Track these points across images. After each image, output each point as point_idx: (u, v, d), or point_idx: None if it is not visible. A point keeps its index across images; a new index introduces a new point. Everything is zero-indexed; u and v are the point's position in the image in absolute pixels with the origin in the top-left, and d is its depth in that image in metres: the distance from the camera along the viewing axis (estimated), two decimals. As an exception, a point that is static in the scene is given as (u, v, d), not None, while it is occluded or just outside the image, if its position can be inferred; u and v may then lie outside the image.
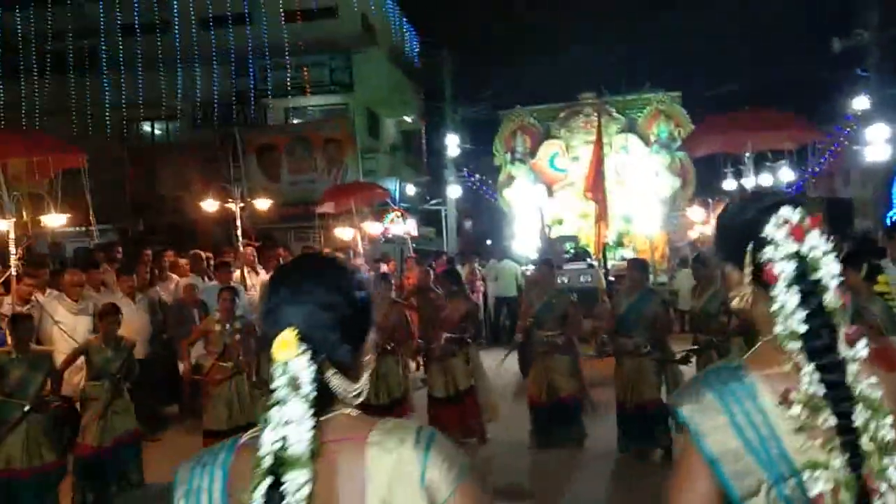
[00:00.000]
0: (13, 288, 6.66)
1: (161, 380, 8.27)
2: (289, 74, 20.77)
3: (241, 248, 10.57)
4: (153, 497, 5.93)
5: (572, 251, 13.61)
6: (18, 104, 19.86)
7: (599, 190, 13.37)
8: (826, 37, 15.96)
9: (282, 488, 1.15)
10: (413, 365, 12.29)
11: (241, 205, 11.55)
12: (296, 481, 1.15)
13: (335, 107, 21.89)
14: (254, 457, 1.19)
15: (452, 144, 21.10)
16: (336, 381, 1.25)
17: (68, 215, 7.67)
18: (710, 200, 13.01)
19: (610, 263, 12.88)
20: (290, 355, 1.20)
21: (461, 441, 7.13)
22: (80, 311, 7.21)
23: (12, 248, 6.56)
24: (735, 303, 1.46)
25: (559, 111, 16.77)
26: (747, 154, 9.80)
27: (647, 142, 15.90)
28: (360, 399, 1.29)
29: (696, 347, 6.62)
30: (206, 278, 9.33)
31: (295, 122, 21.57)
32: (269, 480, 1.16)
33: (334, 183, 18.14)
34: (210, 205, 11.56)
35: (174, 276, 9.35)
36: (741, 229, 1.43)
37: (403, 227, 17.58)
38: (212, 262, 9.77)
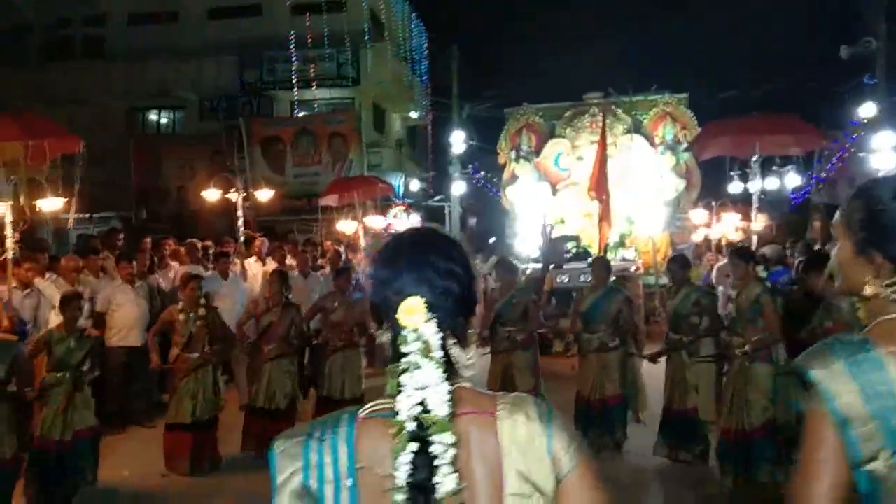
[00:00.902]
0: (9, 272, 6.66)
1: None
2: (295, 67, 20.75)
3: (244, 239, 10.59)
4: (109, 493, 5.95)
5: (574, 251, 13.58)
6: (25, 91, 19.86)
7: (603, 190, 13.35)
8: (834, 44, 15.93)
9: (430, 450, 1.16)
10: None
11: (244, 195, 11.56)
12: (443, 442, 1.16)
13: (341, 100, 21.87)
14: (383, 427, 1.20)
15: (458, 141, 21.08)
16: (455, 350, 1.28)
17: (65, 199, 7.67)
18: (713, 203, 12.96)
19: (611, 264, 12.85)
20: (419, 321, 1.22)
21: None
22: (77, 296, 7.20)
23: (8, 232, 6.55)
24: (869, 290, 1.51)
25: (565, 110, 16.72)
26: (754, 158, 9.78)
27: (652, 143, 15.86)
28: (472, 371, 1.32)
29: (665, 347, 6.75)
30: (203, 267, 9.34)
31: (301, 115, 21.56)
32: (414, 446, 1.16)
33: (338, 176, 18.15)
34: (213, 195, 11.57)
35: (174, 265, 9.36)
36: None
37: (407, 222, 17.59)
38: (210, 252, 9.77)
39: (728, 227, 12.89)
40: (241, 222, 10.73)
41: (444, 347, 1.24)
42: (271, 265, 10.32)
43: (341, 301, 7.30)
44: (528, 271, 13.85)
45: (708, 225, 13.48)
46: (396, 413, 1.19)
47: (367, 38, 21.04)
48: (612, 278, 11.80)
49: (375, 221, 14.51)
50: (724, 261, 9.87)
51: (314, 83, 20.87)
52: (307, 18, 20.40)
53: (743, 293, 5.83)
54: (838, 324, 4.73)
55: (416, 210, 20.31)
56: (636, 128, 15.97)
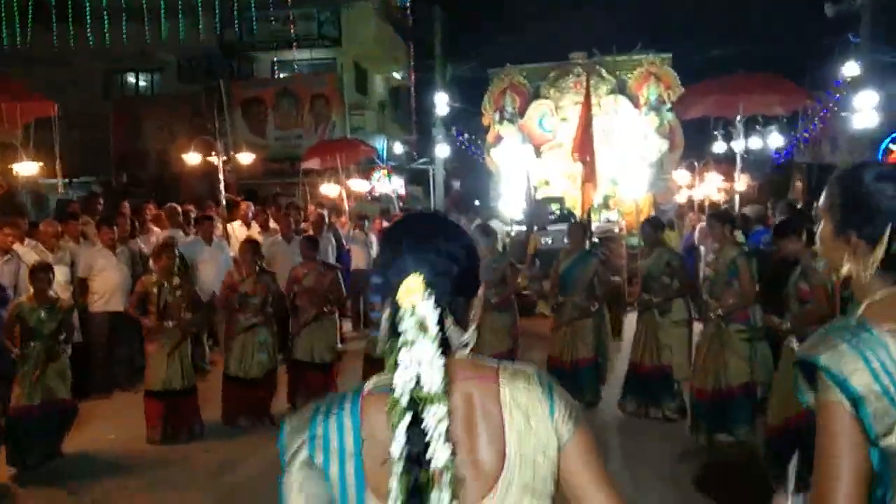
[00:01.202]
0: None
1: (140, 331, 8.24)
2: (275, 27, 20.40)
3: (226, 203, 10.51)
4: (88, 458, 5.97)
5: (558, 213, 13.59)
6: (2, 54, 19.46)
7: (587, 151, 13.30)
8: (819, 1, 15.82)
9: (423, 423, 1.20)
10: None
11: (225, 158, 11.44)
12: (435, 415, 1.20)
13: (323, 61, 21.57)
14: (386, 400, 1.24)
15: (441, 103, 20.89)
16: (452, 329, 1.32)
17: (41, 164, 7.56)
18: (696, 164, 12.99)
19: (595, 225, 12.87)
20: (416, 300, 1.26)
21: None
22: (56, 262, 7.14)
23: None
24: (844, 270, 1.61)
25: (549, 70, 16.60)
26: (738, 118, 9.78)
27: (636, 104, 15.81)
28: (468, 349, 1.37)
29: (637, 306, 6.96)
30: (183, 231, 9.27)
31: (282, 76, 21.25)
32: (408, 417, 1.21)
33: (321, 139, 17.98)
34: (193, 158, 11.43)
35: (155, 229, 9.28)
36: (884, 209, 1.54)
37: (390, 185, 17.52)
38: (192, 216, 9.69)
39: (711, 187, 12.93)
40: (222, 186, 10.64)
41: (441, 325, 1.27)
42: (256, 229, 10.28)
43: (311, 268, 7.26)
44: (512, 233, 13.87)
45: (691, 186, 13.53)
46: (394, 387, 1.23)
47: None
48: (595, 240, 11.91)
49: (359, 184, 14.43)
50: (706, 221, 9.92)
51: (295, 43, 20.53)
52: (287, -23, 20.00)
53: (720, 256, 5.92)
54: (814, 287, 4.82)
55: (400, 173, 20.24)
56: (620, 88, 15.90)
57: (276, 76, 21.14)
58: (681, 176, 13.71)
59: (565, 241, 11.79)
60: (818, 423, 1.49)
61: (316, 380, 7.10)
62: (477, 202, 21.83)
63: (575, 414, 1.34)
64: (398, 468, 1.20)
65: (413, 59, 24.55)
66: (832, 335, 1.48)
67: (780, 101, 9.88)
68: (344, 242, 11.17)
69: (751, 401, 5.71)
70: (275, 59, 21.27)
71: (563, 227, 12.37)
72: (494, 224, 14.56)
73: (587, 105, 13.36)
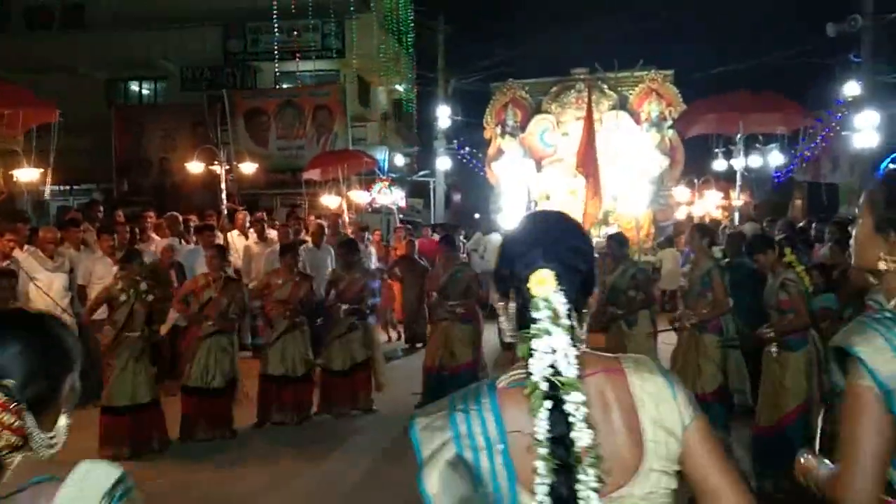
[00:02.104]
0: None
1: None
2: (279, 38, 20.48)
3: (227, 213, 10.53)
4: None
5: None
6: (4, 60, 19.52)
7: (591, 166, 13.31)
8: (821, 21, 15.90)
9: (563, 408, 1.25)
10: (395, 334, 12.36)
11: (227, 167, 11.46)
12: (575, 400, 1.26)
13: (326, 73, 21.64)
14: (523, 394, 1.30)
15: (443, 116, 20.96)
16: (576, 323, 1.36)
17: (41, 170, 7.56)
18: (696, 181, 13.01)
19: (595, 240, 12.88)
20: (548, 291, 1.31)
21: (351, 412, 7.44)
22: (55, 269, 7.15)
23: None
24: (882, 265, 1.72)
25: (551, 86, 16.65)
26: (738, 135, 9.81)
27: (637, 120, 15.84)
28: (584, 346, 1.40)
29: (606, 319, 7.14)
30: (183, 241, 9.27)
31: (285, 86, 21.32)
32: (549, 403, 1.26)
33: (323, 150, 18.01)
34: (196, 167, 11.46)
35: (156, 237, 9.29)
36: None
37: (391, 197, 17.53)
38: (191, 225, 9.70)
39: (710, 204, 12.95)
40: (224, 195, 10.66)
41: (569, 317, 1.32)
42: (253, 238, 10.29)
43: (287, 278, 7.18)
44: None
45: (690, 202, 13.54)
46: (530, 375, 1.28)
47: (352, 9, 20.78)
48: (597, 255, 11.92)
49: (359, 196, 14.44)
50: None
51: (298, 55, 20.60)
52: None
53: (695, 268, 6.15)
54: (793, 297, 5.21)
55: (401, 185, 20.26)
56: (622, 104, 15.93)
57: (278, 87, 21.20)
58: (680, 193, 13.73)
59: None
60: (846, 405, 1.59)
61: (288, 394, 7.07)
62: (477, 215, 21.86)
63: (692, 399, 1.41)
64: (543, 450, 1.24)
65: (416, 71, 24.63)
66: (869, 327, 1.60)
67: (782, 120, 9.93)
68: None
69: (724, 406, 5.91)
70: (278, 69, 21.32)
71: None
72: (495, 237, 14.59)
73: (589, 120, 13.41)
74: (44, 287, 7.11)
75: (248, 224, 10.77)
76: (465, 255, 13.67)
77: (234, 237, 10.31)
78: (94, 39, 20.66)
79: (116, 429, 6.06)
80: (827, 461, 1.77)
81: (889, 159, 15.90)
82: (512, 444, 1.31)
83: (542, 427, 1.25)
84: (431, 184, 22.36)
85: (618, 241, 7.42)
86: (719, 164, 17.42)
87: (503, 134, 16.72)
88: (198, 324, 6.70)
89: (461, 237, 14.51)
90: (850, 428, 1.57)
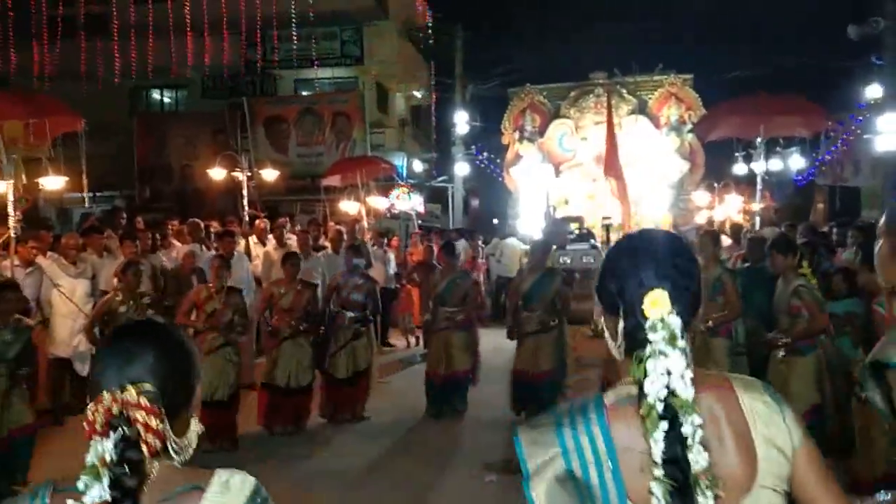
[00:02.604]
0: (12, 250, 6.68)
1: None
2: (298, 46, 20.61)
3: (248, 219, 10.60)
4: None
5: (576, 232, 13.57)
6: (29, 68, 19.80)
7: (614, 169, 13.23)
8: (843, 23, 15.76)
9: (682, 430, 1.26)
10: (413, 340, 12.37)
11: (248, 174, 11.55)
12: (692, 423, 1.26)
13: (345, 79, 21.74)
14: (632, 410, 1.31)
15: (461, 121, 20.99)
16: (689, 343, 1.35)
17: (66, 178, 7.66)
18: (715, 185, 12.93)
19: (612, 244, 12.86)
20: (664, 312, 1.31)
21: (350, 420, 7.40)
22: (78, 275, 7.24)
23: (11, 210, 6.54)
24: None
25: (569, 90, 16.65)
26: (759, 139, 9.73)
27: (657, 124, 15.79)
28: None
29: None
30: (204, 247, 9.35)
31: (304, 94, 21.44)
32: (665, 424, 1.26)
33: (342, 156, 18.10)
34: (217, 173, 11.56)
35: (177, 244, 9.38)
36: None
37: (409, 202, 17.57)
38: (212, 231, 9.78)
39: (731, 208, 12.86)
40: (245, 201, 10.74)
41: (682, 338, 1.31)
42: (272, 245, 10.35)
43: (289, 287, 7.12)
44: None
45: (710, 206, 13.45)
46: (644, 396, 1.28)
47: (370, 16, 20.87)
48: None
49: (378, 202, 14.50)
50: (728, 242, 9.85)
51: (317, 62, 20.73)
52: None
53: (705, 274, 6.11)
54: (808, 303, 5.26)
55: (419, 191, 20.28)
56: (641, 108, 15.89)
57: (298, 94, 21.33)
58: (700, 197, 13.64)
59: (583, 259, 11.86)
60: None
61: (288, 404, 7.01)
62: (495, 220, 21.85)
63: (800, 421, 1.41)
64: (659, 472, 1.25)
65: (434, 77, 24.68)
66: None
67: (803, 123, 9.84)
68: (373, 259, 11.20)
69: None
70: (297, 77, 21.47)
71: (582, 246, 12.36)
72: (512, 242, 14.60)
73: (611, 123, 13.38)
74: (67, 293, 7.21)
75: (268, 231, 10.83)
76: (483, 261, 13.69)
77: (254, 243, 10.38)
78: (117, 48, 20.91)
79: None
80: None
81: (912, 162, 15.70)
82: (622, 461, 1.31)
83: (658, 449, 1.25)
84: (450, 189, 22.38)
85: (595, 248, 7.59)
86: (739, 168, 17.30)
87: (521, 139, 16.74)
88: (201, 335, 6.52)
89: (480, 242, 14.50)
90: None
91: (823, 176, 17.73)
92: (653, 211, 14.34)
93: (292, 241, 10.51)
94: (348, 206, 12.99)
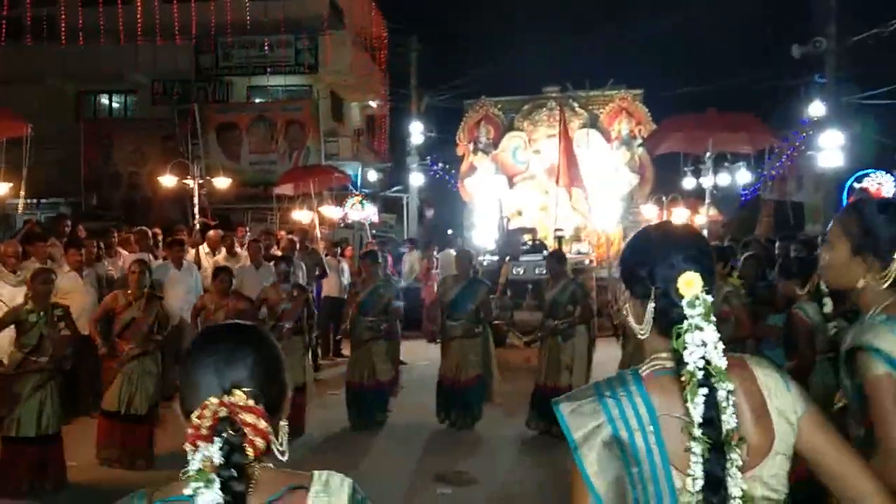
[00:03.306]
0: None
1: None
2: (252, 53, 20.42)
3: (198, 228, 10.43)
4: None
5: (529, 243, 13.67)
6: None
7: (577, 179, 13.27)
8: (788, 42, 16.23)
9: (716, 395, 1.40)
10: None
11: (200, 182, 11.39)
12: (726, 388, 1.41)
13: (299, 87, 21.60)
14: (668, 380, 1.48)
15: (416, 132, 21.03)
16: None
17: (10, 185, 7.46)
18: (664, 198, 13.17)
19: (568, 256, 12.96)
20: (697, 290, 1.46)
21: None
22: (18, 283, 7.03)
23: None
24: (861, 283, 2.02)
25: (523, 104, 16.82)
26: (707, 154, 9.94)
27: (608, 138, 16.03)
28: None
29: (542, 332, 7.56)
30: (153, 256, 9.17)
31: (257, 101, 21.24)
32: (704, 391, 1.40)
33: (295, 165, 17.96)
34: (168, 181, 11.37)
35: (123, 252, 9.18)
36: (890, 235, 1.98)
37: (363, 212, 17.51)
38: (160, 240, 9.60)
39: (681, 221, 13.10)
40: (196, 210, 10.58)
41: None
42: (222, 254, 10.20)
43: (220, 302, 6.97)
44: (484, 263, 13.93)
45: (658, 219, 13.67)
46: (684, 365, 1.43)
47: (325, 25, 20.80)
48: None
49: (332, 211, 14.41)
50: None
51: (271, 69, 20.55)
52: (265, 4, 20.07)
53: None
54: (736, 308, 5.52)
55: (373, 200, 20.23)
56: (592, 122, 16.13)
57: (251, 101, 21.12)
58: (648, 210, 13.89)
59: (536, 271, 11.95)
60: (873, 395, 1.87)
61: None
62: (450, 231, 21.91)
63: (804, 393, 1.56)
64: (698, 433, 1.39)
65: (389, 88, 24.69)
66: (878, 327, 1.91)
67: (749, 140, 10.08)
68: (327, 269, 11.11)
69: None
70: (250, 84, 21.25)
71: (534, 257, 12.46)
72: (447, 253, 14.65)
73: (566, 136, 13.51)
74: (7, 301, 6.98)
75: (219, 241, 10.67)
76: (437, 271, 13.71)
77: (204, 253, 10.22)
78: (65, 51, 20.43)
79: (15, 461, 5.50)
80: None
81: (853, 178, 16.26)
82: (663, 426, 1.44)
83: (698, 411, 1.39)
84: (404, 199, 22.37)
85: (557, 259, 7.76)
86: (688, 182, 17.68)
87: (476, 151, 16.84)
88: (112, 350, 6.24)
89: (435, 253, 14.51)
90: (884, 411, 1.84)
91: (769, 191, 18.19)
92: (603, 223, 14.52)
93: (242, 251, 10.38)
94: (301, 216, 12.89)
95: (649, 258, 1.56)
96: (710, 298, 1.46)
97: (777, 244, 9.41)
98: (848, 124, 15.83)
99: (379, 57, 24.84)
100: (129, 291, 6.35)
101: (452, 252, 14.40)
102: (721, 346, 1.43)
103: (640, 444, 1.43)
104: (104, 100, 22.60)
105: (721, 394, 1.40)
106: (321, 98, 20.76)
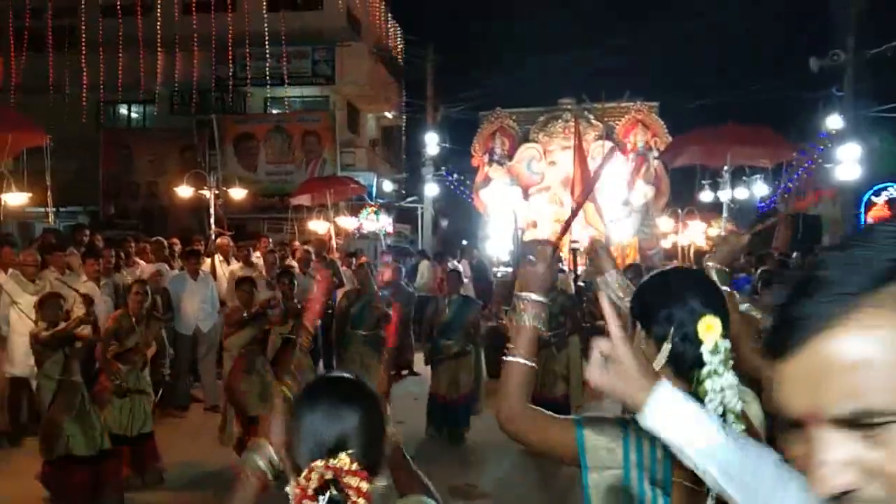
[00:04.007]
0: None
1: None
2: (270, 64, 20.59)
3: (215, 238, 10.50)
4: None
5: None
6: (-7, 80, 19.51)
7: (587, 191, 13.25)
8: (806, 55, 16.16)
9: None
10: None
11: (216, 192, 11.46)
12: (742, 429, 1.43)
13: (316, 98, 21.75)
14: None
15: (432, 143, 21.07)
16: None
17: (30, 195, 7.54)
18: (679, 211, 13.12)
19: (580, 269, 12.93)
20: (717, 336, 1.48)
21: None
22: (36, 292, 7.10)
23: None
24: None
25: (538, 115, 16.80)
26: (725, 168, 9.92)
27: (623, 150, 15.99)
28: None
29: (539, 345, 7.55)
30: (169, 266, 9.24)
31: (274, 112, 21.39)
32: None
33: (311, 176, 18.05)
34: (185, 191, 11.46)
35: (140, 262, 9.25)
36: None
37: (378, 223, 17.56)
38: (176, 250, 9.67)
39: (696, 234, 13.05)
40: (213, 220, 10.65)
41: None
42: (237, 265, 10.26)
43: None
44: (498, 274, 13.92)
45: (675, 232, 13.63)
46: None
47: (342, 36, 20.94)
48: (581, 283, 11.97)
49: (347, 222, 14.47)
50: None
51: (288, 80, 20.71)
52: (283, 15, 20.24)
53: None
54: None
55: (388, 211, 20.28)
56: (608, 134, 16.09)
57: (268, 112, 21.27)
58: (664, 223, 13.83)
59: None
60: None
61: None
62: (464, 242, 21.91)
63: None
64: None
65: (405, 99, 24.79)
66: None
67: (767, 154, 10.06)
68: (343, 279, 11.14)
69: None
70: (268, 95, 21.41)
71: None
72: (423, 265, 14.69)
73: (580, 148, 13.49)
74: (25, 311, 7.06)
75: (232, 249, 10.73)
76: (467, 280, 13.69)
77: (218, 262, 10.28)
78: (85, 62, 20.67)
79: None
80: None
81: (871, 191, 16.12)
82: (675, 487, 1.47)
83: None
84: (419, 210, 22.41)
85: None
86: (705, 196, 17.61)
87: (491, 162, 16.83)
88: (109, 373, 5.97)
89: (450, 264, 14.50)
90: None
91: (786, 204, 18.07)
92: (618, 235, 14.47)
93: (258, 260, 10.44)
94: (317, 226, 12.94)
95: (668, 300, 1.58)
96: (728, 344, 1.48)
97: (793, 257, 9.36)
98: (866, 137, 15.72)
99: (395, 68, 24.97)
100: (132, 314, 6.14)
101: (426, 264, 14.52)
102: (738, 389, 1.46)
103: (648, 496, 1.46)
104: (123, 110, 22.84)
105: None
106: (337, 109, 20.89)
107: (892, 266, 0.70)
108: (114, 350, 5.83)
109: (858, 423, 0.68)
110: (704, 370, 1.46)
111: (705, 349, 1.47)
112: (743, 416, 1.49)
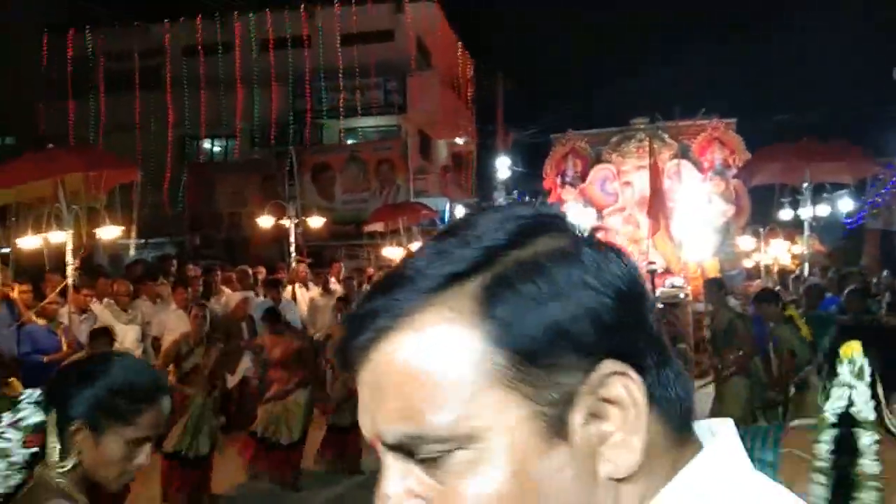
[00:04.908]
0: (70, 297, 6.91)
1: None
2: (344, 96, 21.13)
3: (294, 265, 10.81)
4: None
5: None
6: (87, 121, 20.63)
7: (662, 210, 13.12)
8: (887, 65, 15.61)
9: (851, 437, 1.53)
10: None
11: (296, 221, 11.80)
12: (869, 435, 1.54)
13: (388, 128, 22.17)
14: (808, 430, 1.64)
15: (503, 167, 21.17)
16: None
17: (122, 228, 7.94)
18: (761, 230, 12.78)
19: (659, 291, 12.72)
20: (858, 355, 1.61)
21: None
22: (129, 321, 7.43)
23: (69, 259, 6.79)
24: None
25: (611, 136, 16.68)
26: (805, 184, 9.66)
27: (701, 168, 15.70)
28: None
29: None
30: (255, 293, 9.53)
31: (349, 142, 21.90)
32: (833, 430, 1.56)
33: (386, 202, 18.36)
34: (266, 221, 11.84)
35: (226, 290, 9.58)
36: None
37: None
38: (260, 278, 9.98)
39: (780, 252, 12.69)
40: (293, 248, 10.96)
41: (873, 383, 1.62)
42: (317, 291, 10.50)
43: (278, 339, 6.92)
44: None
45: (756, 251, 13.29)
46: (823, 412, 1.59)
47: (413, 66, 21.34)
48: (660, 306, 11.78)
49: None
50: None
51: (361, 111, 21.20)
52: (355, 49, 20.78)
53: (716, 319, 6.88)
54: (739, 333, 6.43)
55: (462, 235, 20.39)
56: (683, 153, 15.84)
57: (343, 142, 21.78)
58: (745, 242, 13.49)
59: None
60: None
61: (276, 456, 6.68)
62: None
63: None
64: (822, 464, 1.53)
65: (476, 124, 25.00)
66: None
67: (848, 168, 9.76)
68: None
69: None
70: (343, 125, 21.95)
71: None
72: None
73: (655, 168, 13.33)
74: (118, 339, 7.41)
75: (307, 275, 10.98)
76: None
77: (298, 287, 10.55)
78: (169, 99, 21.67)
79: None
80: None
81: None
82: (786, 461, 1.59)
83: (824, 446, 1.55)
84: (492, 234, 22.44)
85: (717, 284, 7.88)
86: (785, 213, 17.10)
87: (563, 184, 16.77)
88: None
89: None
90: None
91: (874, 220, 17.38)
92: (697, 255, 14.18)
93: (337, 287, 10.66)
94: (391, 252, 13.15)
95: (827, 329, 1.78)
96: (865, 361, 1.59)
97: (883, 276, 9.01)
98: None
99: (465, 94, 25.23)
100: (191, 338, 6.29)
101: None
102: (872, 402, 1.54)
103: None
104: (206, 144, 23.77)
105: (864, 440, 1.50)
106: (409, 137, 21.23)
107: (478, 257, 0.59)
108: (171, 373, 5.95)
109: (412, 451, 0.57)
110: (834, 381, 1.59)
111: (842, 366, 1.60)
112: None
